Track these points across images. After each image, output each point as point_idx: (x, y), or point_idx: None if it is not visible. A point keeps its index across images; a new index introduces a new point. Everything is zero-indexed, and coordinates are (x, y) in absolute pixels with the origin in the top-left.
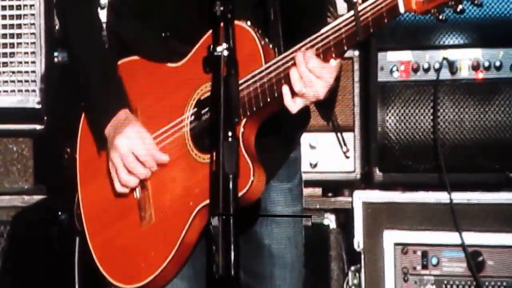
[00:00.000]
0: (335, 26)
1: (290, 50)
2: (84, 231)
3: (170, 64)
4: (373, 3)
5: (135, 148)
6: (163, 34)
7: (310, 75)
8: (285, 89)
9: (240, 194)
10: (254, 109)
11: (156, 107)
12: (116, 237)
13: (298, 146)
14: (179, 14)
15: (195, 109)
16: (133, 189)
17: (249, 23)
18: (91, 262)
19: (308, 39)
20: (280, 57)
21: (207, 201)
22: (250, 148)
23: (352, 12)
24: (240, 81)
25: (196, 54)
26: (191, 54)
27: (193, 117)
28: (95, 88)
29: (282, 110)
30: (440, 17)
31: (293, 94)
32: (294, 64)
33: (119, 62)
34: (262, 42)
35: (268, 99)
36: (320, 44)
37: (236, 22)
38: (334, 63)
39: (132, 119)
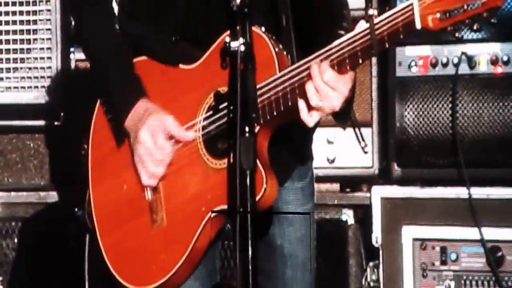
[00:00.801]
0: (350, 38)
1: (305, 60)
2: (95, 230)
3: (182, 66)
4: (389, 16)
5: (159, 138)
6: (173, 38)
7: (326, 87)
8: (301, 104)
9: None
10: (268, 117)
11: (167, 109)
12: (127, 238)
13: (308, 147)
14: (190, 17)
15: (208, 114)
16: (144, 191)
17: (263, 29)
18: (102, 263)
19: (322, 50)
20: (295, 65)
21: (220, 208)
22: (263, 156)
23: (367, 25)
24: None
25: (209, 58)
26: (204, 57)
27: (205, 121)
28: (113, 81)
29: (294, 119)
30: (457, 34)
31: (309, 108)
32: (309, 77)
33: (134, 61)
34: (276, 49)
35: (282, 108)
36: (334, 56)
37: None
38: (349, 74)
39: (152, 108)
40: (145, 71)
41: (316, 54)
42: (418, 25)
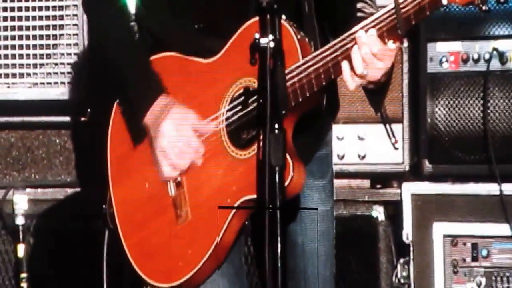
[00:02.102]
0: (375, 19)
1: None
2: (117, 230)
3: (202, 60)
4: None
5: (183, 131)
6: (196, 26)
7: (372, 57)
8: (345, 65)
9: None
10: (293, 103)
11: (189, 104)
12: (151, 236)
13: (329, 142)
14: (213, 6)
15: (231, 105)
16: (168, 187)
17: (284, 17)
18: (125, 262)
19: (350, 31)
20: (324, 48)
21: (245, 198)
22: (288, 144)
23: (392, 4)
24: None
25: (229, 50)
26: (225, 49)
27: (229, 113)
28: (130, 79)
29: (319, 106)
30: (484, 7)
31: (353, 74)
32: (350, 49)
33: (151, 58)
34: (299, 36)
35: (308, 94)
36: (382, 24)
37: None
38: (393, 46)
39: (172, 103)
40: (165, 67)
41: (341, 38)
42: (445, 1)
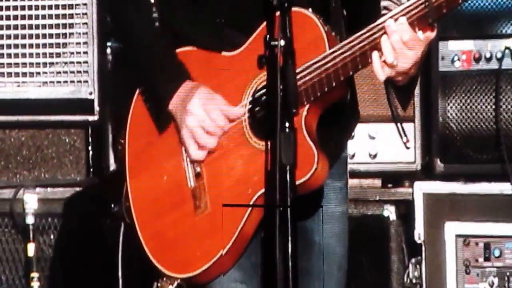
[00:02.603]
0: (405, 8)
1: (360, 32)
2: (134, 223)
3: (224, 53)
4: None
5: (212, 111)
6: (217, 20)
7: (402, 46)
8: (375, 56)
9: (302, 180)
10: (319, 94)
11: None
12: (169, 227)
13: (346, 145)
14: (236, 1)
15: (253, 97)
16: (187, 179)
17: (310, 10)
18: (141, 254)
19: (381, 20)
20: (349, 39)
21: None
22: (312, 135)
23: None
24: (304, 67)
25: (253, 43)
26: (248, 43)
27: (251, 105)
28: (155, 66)
29: (344, 98)
30: None
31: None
32: (379, 38)
33: None
34: (325, 28)
35: (334, 84)
36: (412, 13)
37: (298, 9)
38: (422, 36)
39: (198, 85)
40: (187, 60)
41: (368, 27)
42: None
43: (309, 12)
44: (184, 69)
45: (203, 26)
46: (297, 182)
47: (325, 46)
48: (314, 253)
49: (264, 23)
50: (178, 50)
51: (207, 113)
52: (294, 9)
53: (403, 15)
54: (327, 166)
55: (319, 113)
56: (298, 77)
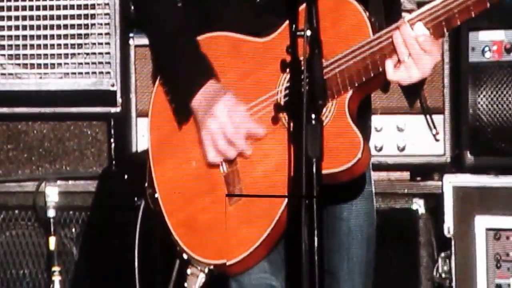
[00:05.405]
0: (421, 14)
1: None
2: (161, 209)
3: (257, 39)
4: None
5: (235, 119)
6: (257, 0)
7: (418, 47)
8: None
9: (345, 167)
10: (364, 79)
11: (242, 83)
12: (200, 214)
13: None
14: None
15: (289, 84)
16: (219, 164)
17: None
18: (169, 240)
19: (416, 13)
20: (387, 29)
21: None
22: (355, 121)
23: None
24: (346, 52)
25: (286, 30)
26: (282, 28)
27: (287, 91)
28: (181, 60)
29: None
30: None
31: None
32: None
33: (199, 38)
34: (367, 13)
35: (380, 69)
36: (429, 18)
37: None
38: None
39: (224, 90)
40: (216, 47)
41: (410, 17)
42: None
43: None
44: (209, 65)
45: (243, 9)
46: (338, 170)
47: (369, 32)
48: (342, 230)
49: (300, 9)
50: (205, 36)
51: (231, 119)
52: None
53: (420, 20)
54: (370, 152)
55: (359, 100)
56: (341, 61)
